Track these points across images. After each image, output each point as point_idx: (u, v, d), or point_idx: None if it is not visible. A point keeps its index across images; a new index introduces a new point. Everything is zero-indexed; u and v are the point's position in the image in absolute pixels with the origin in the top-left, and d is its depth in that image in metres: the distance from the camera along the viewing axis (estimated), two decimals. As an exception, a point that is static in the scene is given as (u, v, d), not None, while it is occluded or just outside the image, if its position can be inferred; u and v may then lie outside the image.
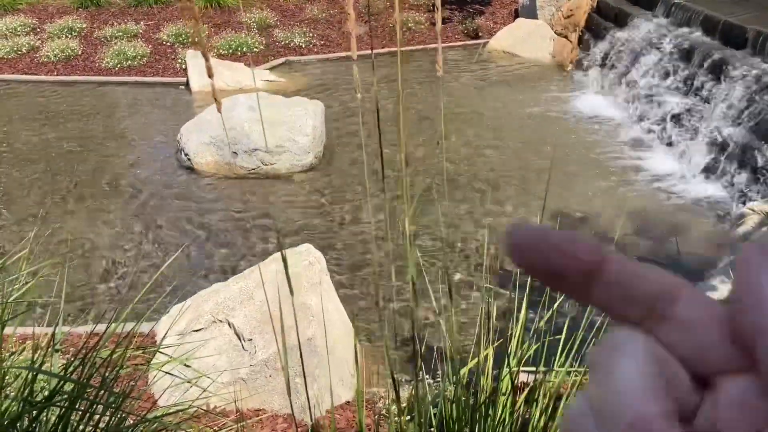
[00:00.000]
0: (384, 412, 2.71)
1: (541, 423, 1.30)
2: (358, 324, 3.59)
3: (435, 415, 1.46)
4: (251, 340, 3.00)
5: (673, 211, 5.02)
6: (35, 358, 1.56)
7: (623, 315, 0.25)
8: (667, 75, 6.55)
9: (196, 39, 9.23)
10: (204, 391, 2.32)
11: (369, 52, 8.85)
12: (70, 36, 9.42)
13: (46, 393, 1.63)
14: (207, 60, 0.82)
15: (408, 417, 1.59)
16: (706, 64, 5.99)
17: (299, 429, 2.48)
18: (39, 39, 9.41)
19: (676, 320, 0.24)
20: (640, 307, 0.25)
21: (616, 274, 0.25)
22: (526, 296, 1.41)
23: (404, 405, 2.27)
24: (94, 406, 1.48)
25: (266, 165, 5.76)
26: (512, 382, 1.31)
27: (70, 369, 1.48)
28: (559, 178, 5.54)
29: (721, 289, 3.06)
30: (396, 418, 1.44)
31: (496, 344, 1.42)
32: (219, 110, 0.86)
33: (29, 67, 8.87)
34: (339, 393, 3.07)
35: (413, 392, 1.43)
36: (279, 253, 3.36)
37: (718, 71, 5.80)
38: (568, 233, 0.26)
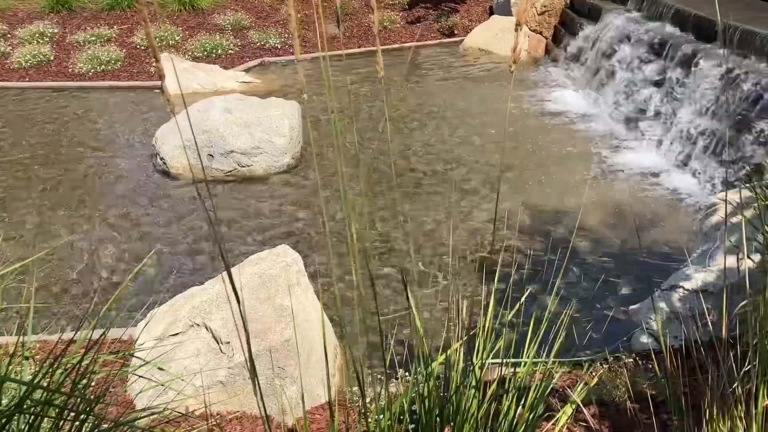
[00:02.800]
0: (363, 411, 2.72)
1: (511, 413, 1.32)
2: (336, 324, 3.59)
3: (407, 411, 1.47)
4: (229, 342, 2.99)
5: (646, 202, 5.07)
6: (3, 366, 1.55)
7: None
8: (639, 68, 6.62)
9: (172, 41, 9.16)
10: (178, 393, 2.31)
11: (343, 52, 8.83)
12: (41, 41, 9.31)
13: (18, 400, 1.61)
14: (158, 61, 0.82)
15: (380, 415, 1.60)
16: (677, 58, 6.07)
17: (278, 431, 2.47)
18: (9, 45, 9.29)
19: None
20: None
21: None
22: (494, 290, 1.43)
23: (383, 402, 2.28)
24: (67, 414, 1.47)
25: (243, 167, 5.73)
26: (479, 377, 1.32)
27: (39, 376, 1.47)
28: (533, 172, 5.58)
29: (694, 278, 3.10)
30: (365, 419, 1.44)
31: (465, 338, 1.43)
32: (171, 111, 0.85)
33: (0, 74, 8.75)
34: (319, 393, 3.07)
35: (382, 390, 1.44)
36: (256, 255, 3.36)
37: (689, 64, 5.87)
38: None
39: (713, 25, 5.98)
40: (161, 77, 0.84)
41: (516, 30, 0.93)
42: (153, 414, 2.13)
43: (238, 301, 0.95)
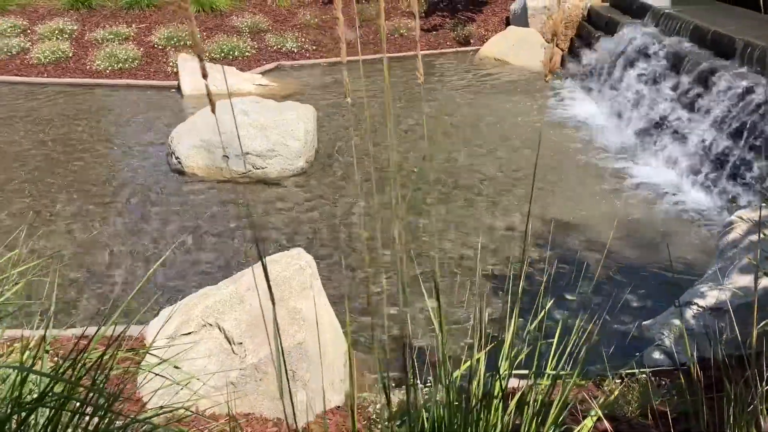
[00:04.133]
0: (374, 417, 2.71)
1: (533, 427, 1.31)
2: (349, 328, 3.58)
3: (427, 419, 1.46)
4: (241, 343, 2.99)
5: (662, 219, 5.05)
6: (24, 360, 1.55)
7: None
8: (656, 83, 6.61)
9: (190, 41, 9.21)
10: (194, 393, 2.32)
11: (362, 57, 8.89)
12: (60, 38, 9.39)
13: (35, 395, 1.62)
14: (201, 60, 0.82)
15: (399, 422, 1.59)
16: (695, 73, 6.05)
17: (289, 433, 2.47)
18: (29, 40, 9.37)
19: None
20: None
21: None
22: (518, 301, 1.42)
23: (395, 410, 2.27)
24: (84, 408, 1.47)
25: (257, 169, 5.75)
26: (503, 387, 1.31)
27: (61, 370, 1.48)
28: (548, 185, 5.57)
29: (709, 295, 3.08)
30: (387, 423, 1.44)
31: (488, 348, 1.43)
32: (213, 111, 0.86)
33: (19, 69, 8.83)
34: (329, 397, 3.06)
35: (404, 397, 1.43)
36: (270, 257, 3.36)
37: (706, 80, 5.85)
38: None
39: (732, 41, 5.96)
40: (204, 76, 0.85)
41: (552, 41, 0.93)
42: (166, 412, 2.13)
43: (273, 302, 0.95)
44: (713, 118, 5.58)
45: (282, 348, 0.98)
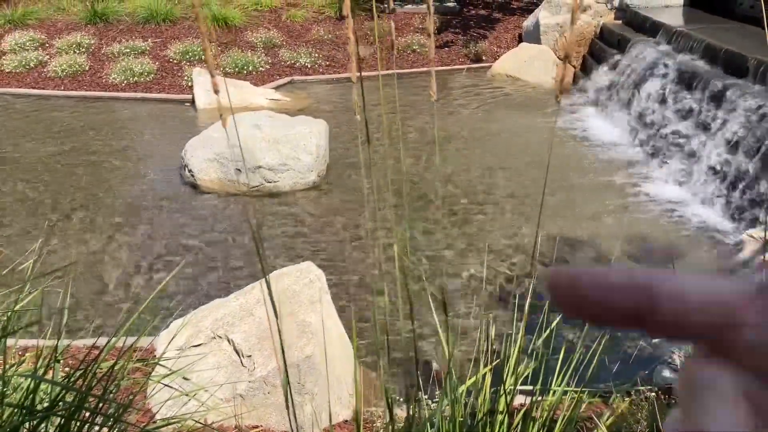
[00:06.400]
0: (382, 431, 2.71)
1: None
2: (356, 343, 3.59)
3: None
4: (250, 356, 3.01)
5: (672, 237, 5.03)
6: (37, 369, 1.58)
7: (689, 342, 0.24)
8: (668, 101, 6.61)
9: (204, 56, 9.32)
10: (202, 405, 2.33)
11: (374, 73, 8.93)
12: (78, 51, 9.52)
13: (46, 404, 1.64)
14: (213, 76, 0.85)
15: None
16: (707, 92, 6.05)
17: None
18: (47, 54, 9.51)
19: (746, 347, 0.23)
20: (705, 339, 0.24)
21: (666, 312, 0.24)
22: (524, 317, 1.43)
23: (402, 425, 2.27)
24: (94, 417, 1.49)
25: (269, 182, 5.79)
26: (508, 403, 1.32)
27: (72, 379, 1.50)
28: (557, 201, 5.57)
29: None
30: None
31: (493, 363, 1.43)
32: (224, 125, 0.88)
33: (37, 82, 8.96)
34: (336, 411, 3.07)
35: (409, 412, 1.44)
36: (280, 271, 3.38)
37: (719, 99, 5.85)
38: (601, 276, 0.24)
39: (744, 60, 5.96)
40: (216, 91, 0.87)
41: (564, 62, 0.95)
42: (175, 423, 2.15)
43: (276, 316, 0.96)
44: (725, 136, 5.57)
45: (285, 361, 0.99)
